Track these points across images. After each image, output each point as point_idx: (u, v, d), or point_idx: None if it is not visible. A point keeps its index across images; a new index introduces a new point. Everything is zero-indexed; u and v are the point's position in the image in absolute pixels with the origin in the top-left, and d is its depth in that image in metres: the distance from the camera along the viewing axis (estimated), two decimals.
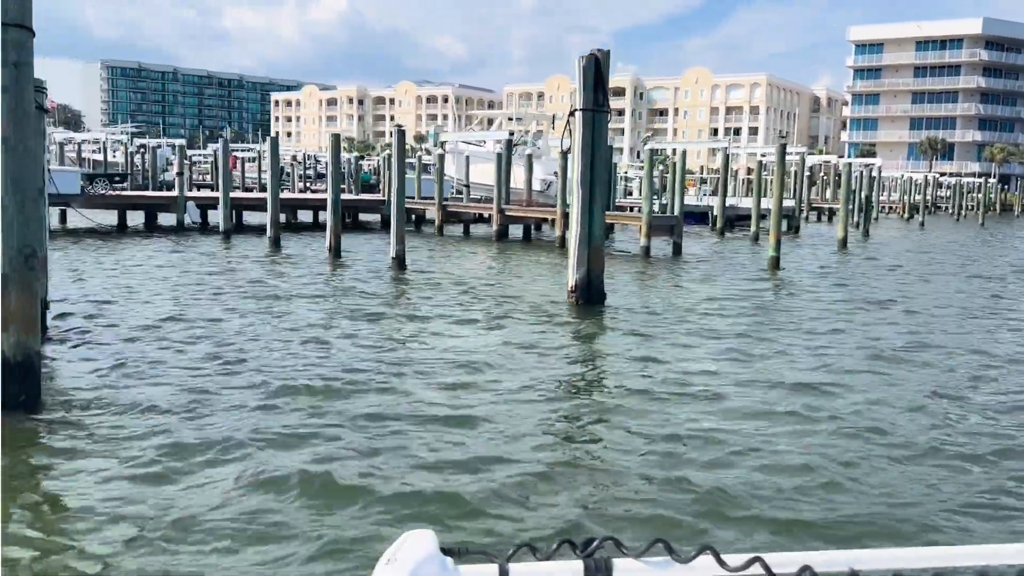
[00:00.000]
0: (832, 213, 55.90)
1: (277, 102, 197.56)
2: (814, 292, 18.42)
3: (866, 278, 21.62)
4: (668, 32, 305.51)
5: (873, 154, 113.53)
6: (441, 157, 31.90)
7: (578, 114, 14.16)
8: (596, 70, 14.10)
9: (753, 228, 34.30)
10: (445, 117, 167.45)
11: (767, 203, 28.30)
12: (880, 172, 60.06)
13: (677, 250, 25.74)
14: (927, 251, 32.76)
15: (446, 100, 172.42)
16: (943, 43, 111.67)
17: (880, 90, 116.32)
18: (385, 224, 35.26)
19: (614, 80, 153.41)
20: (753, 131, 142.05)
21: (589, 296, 14.52)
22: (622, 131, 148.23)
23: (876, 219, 61.26)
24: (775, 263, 22.64)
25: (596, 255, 14.54)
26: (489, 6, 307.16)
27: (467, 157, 32.14)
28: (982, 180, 65.96)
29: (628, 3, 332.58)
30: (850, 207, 33.72)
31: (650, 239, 24.98)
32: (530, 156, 29.61)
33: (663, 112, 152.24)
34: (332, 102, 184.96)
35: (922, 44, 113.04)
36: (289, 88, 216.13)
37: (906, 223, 57.75)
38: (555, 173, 33.05)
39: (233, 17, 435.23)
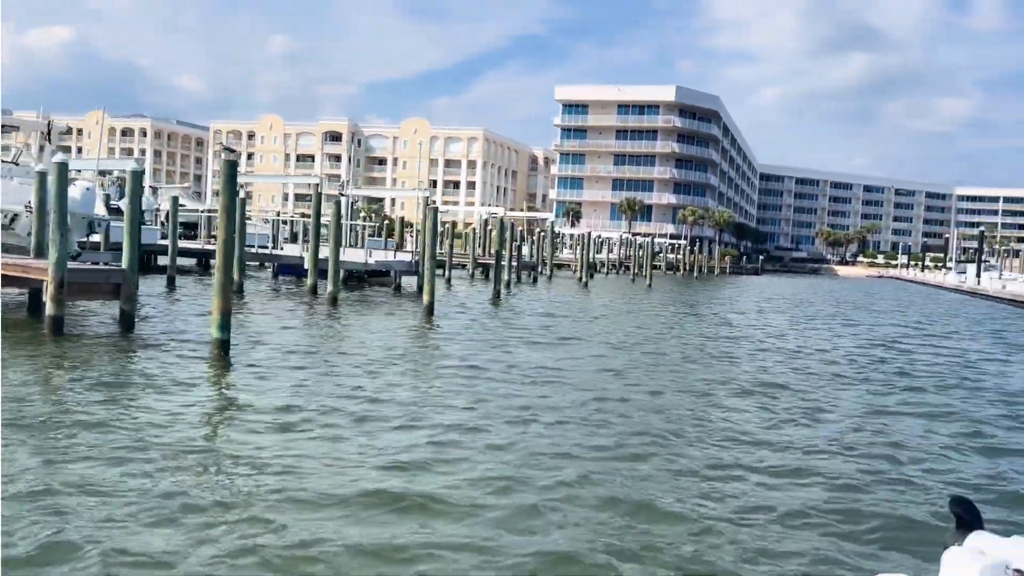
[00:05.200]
0: (488, 268, 50.50)
1: None
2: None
3: (332, 372, 14.02)
4: (420, 90, 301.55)
5: (579, 213, 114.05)
6: None
7: None
8: None
9: (330, 287, 26.48)
10: (143, 151, 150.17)
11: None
12: (552, 228, 56.22)
13: (127, 322, 16.92)
14: (545, 314, 26.65)
15: (144, 134, 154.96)
16: (641, 108, 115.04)
17: (585, 150, 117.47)
18: None
19: (329, 124, 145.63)
20: (471, 185, 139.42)
21: None
22: (339, 177, 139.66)
23: (551, 277, 57.18)
24: (221, 349, 14.48)
25: None
26: (235, 48, 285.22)
27: None
28: (648, 240, 64.33)
29: (381, 57, 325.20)
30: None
31: (61, 302, 15.94)
32: None
33: (382, 161, 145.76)
34: (8, 129, 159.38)
35: (623, 108, 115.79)
36: None
37: (578, 282, 53.65)
38: (27, 204, 23.23)
39: None
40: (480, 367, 15.41)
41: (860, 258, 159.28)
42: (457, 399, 12.25)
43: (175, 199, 31.40)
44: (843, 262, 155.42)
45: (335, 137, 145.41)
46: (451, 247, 43.92)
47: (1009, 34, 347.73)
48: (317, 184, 30.46)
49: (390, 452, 9.04)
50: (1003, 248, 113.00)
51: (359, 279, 37.38)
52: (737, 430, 11.16)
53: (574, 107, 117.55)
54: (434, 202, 32.19)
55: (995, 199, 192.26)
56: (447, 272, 43.74)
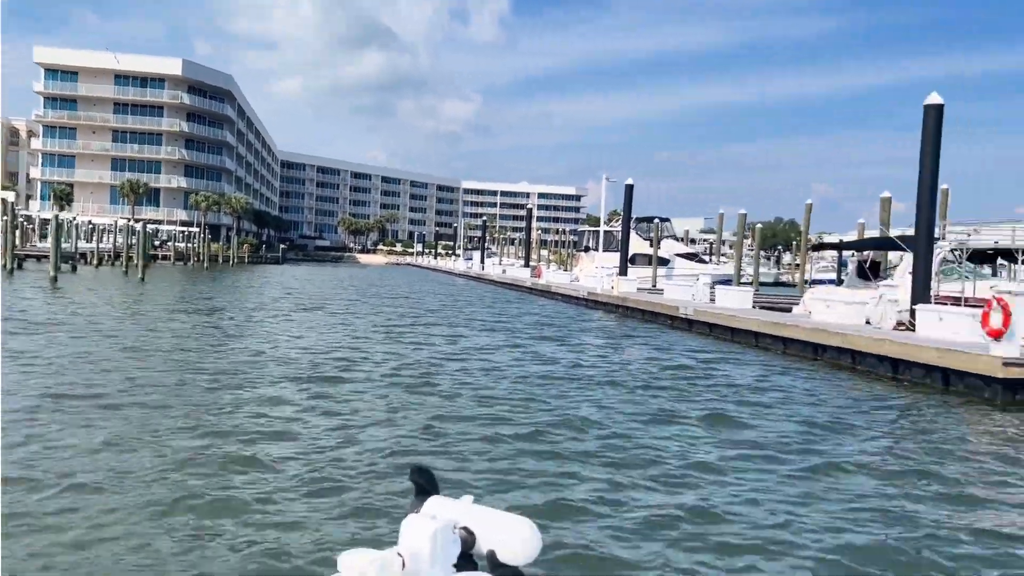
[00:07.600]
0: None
1: None
2: None
3: None
4: None
5: (71, 196, 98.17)
6: None
7: None
8: None
9: None
10: None
11: None
12: (13, 210, 44.97)
13: None
14: None
15: None
16: (144, 80, 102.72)
17: (76, 124, 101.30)
18: None
19: None
20: None
21: None
22: None
23: (12, 271, 45.97)
24: None
25: None
26: None
27: None
28: (141, 227, 55.94)
29: None
30: None
31: None
32: None
33: None
34: None
35: (122, 78, 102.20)
36: None
37: (51, 280, 43.50)
38: None
39: None
40: None
41: (380, 246, 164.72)
42: None
43: None
44: (365, 250, 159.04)
45: None
46: None
47: (501, 48, 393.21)
48: None
49: None
50: (502, 236, 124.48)
51: None
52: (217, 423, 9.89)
53: (61, 73, 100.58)
54: None
55: (494, 192, 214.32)
56: None
